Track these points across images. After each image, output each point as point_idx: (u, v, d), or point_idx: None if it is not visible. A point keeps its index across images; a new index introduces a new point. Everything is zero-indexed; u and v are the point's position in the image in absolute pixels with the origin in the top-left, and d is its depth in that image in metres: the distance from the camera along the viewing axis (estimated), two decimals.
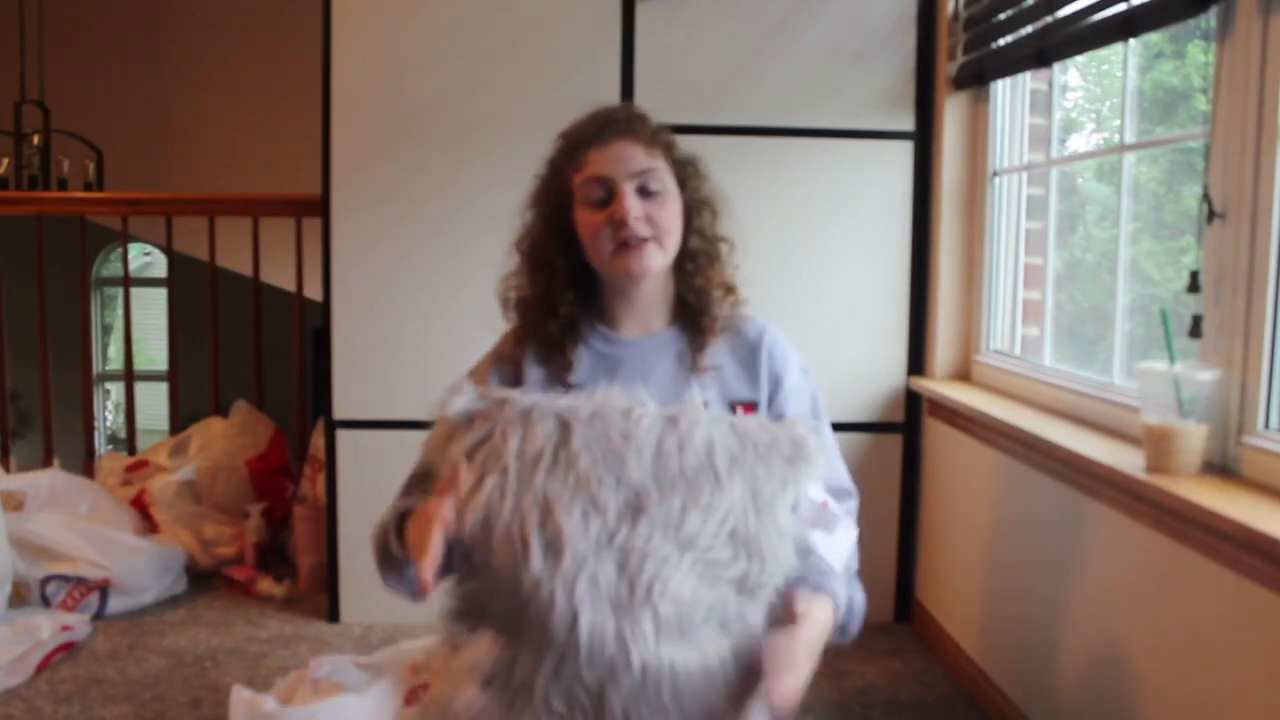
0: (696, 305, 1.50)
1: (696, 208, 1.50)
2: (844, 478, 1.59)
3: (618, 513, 1.24)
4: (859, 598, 1.47)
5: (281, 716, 1.94)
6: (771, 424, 1.37)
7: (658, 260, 1.45)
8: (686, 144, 1.54)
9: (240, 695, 2.02)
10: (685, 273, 1.50)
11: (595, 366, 1.49)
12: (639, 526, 1.24)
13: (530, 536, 1.24)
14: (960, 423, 2.63)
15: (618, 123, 1.46)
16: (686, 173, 1.50)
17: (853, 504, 1.59)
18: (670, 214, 1.46)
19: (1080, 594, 2.04)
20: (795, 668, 1.21)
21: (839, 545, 1.43)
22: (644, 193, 1.44)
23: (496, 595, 1.26)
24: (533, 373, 1.50)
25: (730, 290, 1.54)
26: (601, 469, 1.25)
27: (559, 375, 1.48)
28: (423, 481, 1.46)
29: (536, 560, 1.22)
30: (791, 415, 1.53)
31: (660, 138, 1.48)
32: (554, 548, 1.23)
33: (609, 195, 1.43)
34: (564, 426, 1.28)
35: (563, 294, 1.49)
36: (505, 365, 1.54)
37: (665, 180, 1.46)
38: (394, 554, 1.35)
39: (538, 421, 1.29)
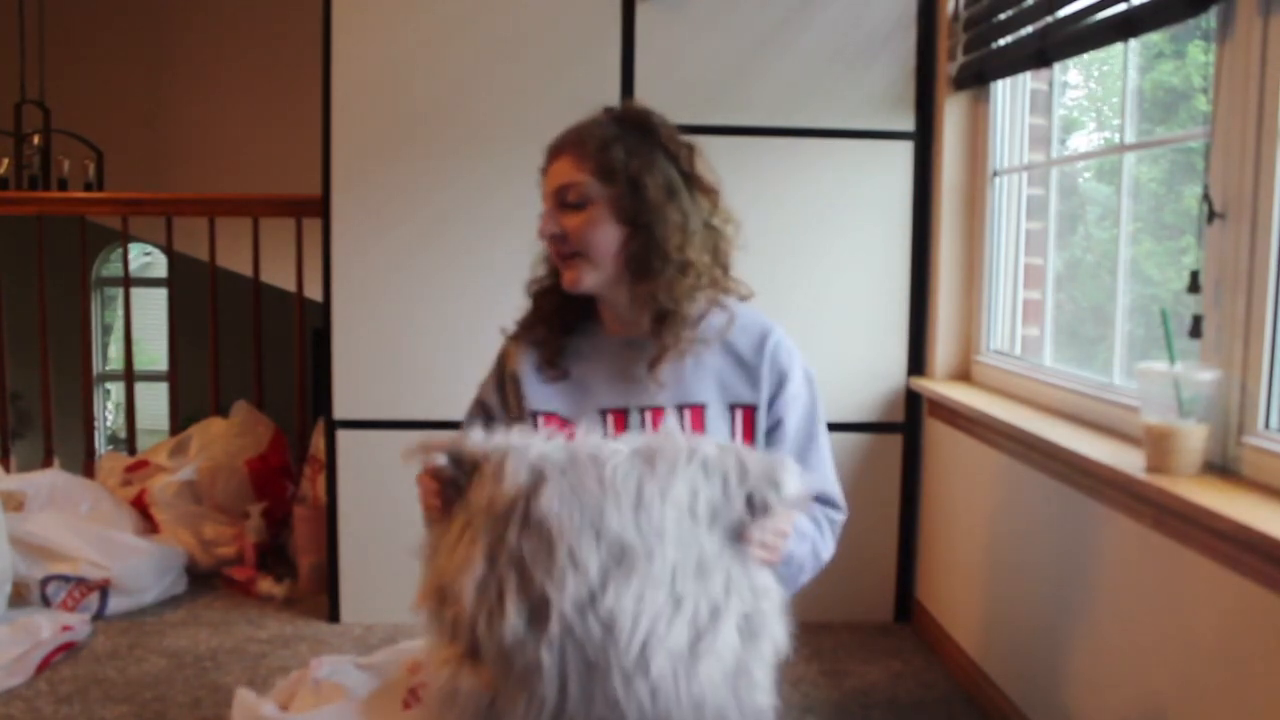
0: (668, 311, 1.49)
1: (653, 220, 1.47)
2: (832, 488, 1.59)
3: (600, 570, 1.18)
4: (805, 559, 1.49)
5: None
6: (754, 458, 1.28)
7: (587, 276, 1.49)
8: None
9: (244, 699, 2.02)
10: (648, 284, 1.48)
11: (581, 358, 1.55)
12: (626, 587, 1.18)
13: (507, 600, 1.19)
14: (960, 423, 2.63)
15: (560, 144, 1.52)
16: (641, 184, 1.47)
17: (837, 516, 1.58)
18: (587, 225, 1.48)
19: (1080, 594, 2.04)
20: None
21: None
22: (563, 207, 1.49)
23: (484, 641, 1.22)
24: (526, 361, 1.57)
25: (714, 300, 1.53)
26: (579, 522, 1.19)
27: (549, 361, 1.55)
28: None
29: (517, 625, 1.18)
30: (788, 420, 1.54)
31: (607, 151, 1.47)
32: (536, 613, 1.18)
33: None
34: (537, 478, 1.22)
35: (548, 295, 1.57)
36: (507, 361, 1.61)
37: (587, 193, 1.47)
38: None
39: (509, 475, 1.23)
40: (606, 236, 1.48)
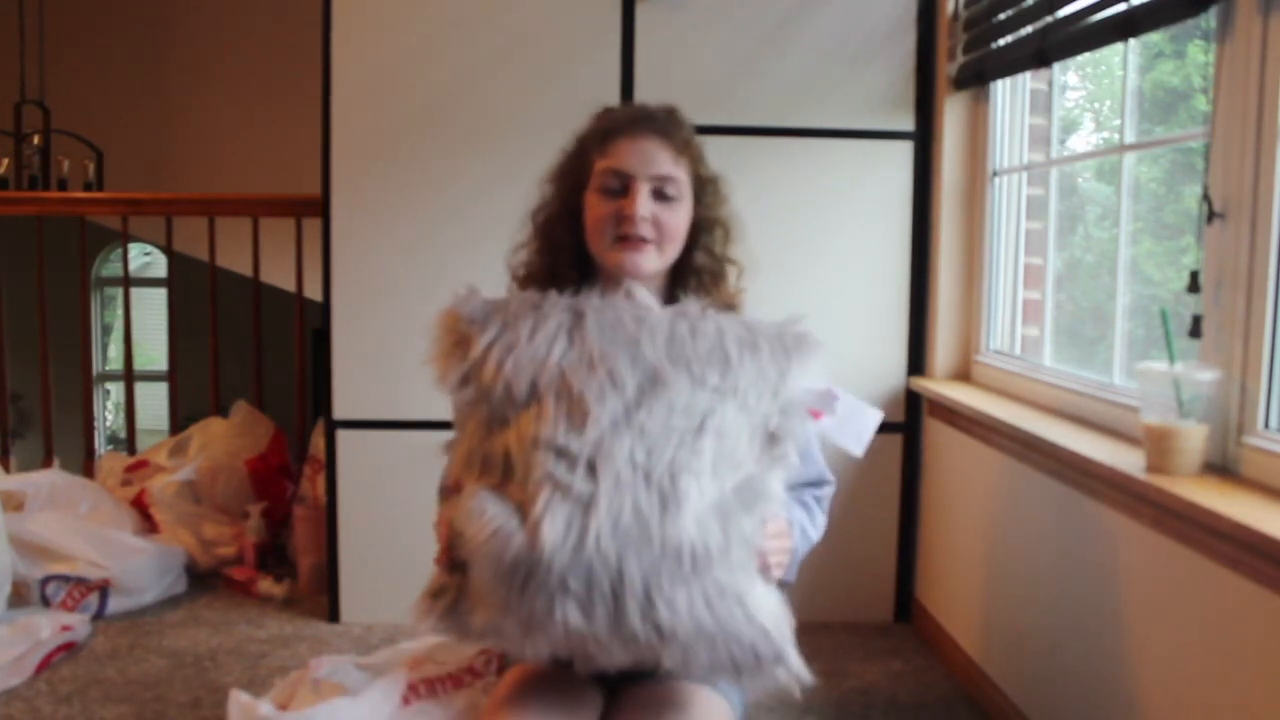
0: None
1: (708, 225, 1.52)
2: (822, 469, 1.60)
3: (637, 388, 1.27)
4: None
5: None
6: (775, 321, 1.40)
7: (653, 263, 1.47)
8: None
9: (238, 699, 2.02)
10: (686, 288, 1.52)
11: None
12: (657, 405, 1.26)
13: (548, 407, 1.26)
14: (960, 423, 2.63)
15: (654, 121, 1.49)
16: (706, 189, 1.52)
17: (827, 490, 1.61)
18: (677, 222, 1.48)
19: (1080, 594, 2.04)
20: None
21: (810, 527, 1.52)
22: (658, 196, 1.46)
23: (516, 463, 1.27)
24: None
25: (731, 310, 1.54)
26: (617, 347, 1.29)
27: None
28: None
29: (558, 433, 1.24)
30: None
31: (690, 148, 1.50)
32: (574, 421, 1.25)
33: (623, 189, 1.46)
34: (576, 314, 1.33)
35: (565, 273, 1.51)
36: None
37: (682, 190, 1.48)
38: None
39: (549, 309, 1.34)
40: (683, 231, 1.50)
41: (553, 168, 1.56)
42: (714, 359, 1.31)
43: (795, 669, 1.27)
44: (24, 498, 3.08)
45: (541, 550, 1.17)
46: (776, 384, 1.33)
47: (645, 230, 1.45)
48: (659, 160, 1.46)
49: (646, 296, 1.41)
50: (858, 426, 1.43)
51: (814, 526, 1.56)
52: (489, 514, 1.21)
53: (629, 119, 1.50)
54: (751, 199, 1.63)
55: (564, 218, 1.52)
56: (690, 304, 1.39)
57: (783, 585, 1.41)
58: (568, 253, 1.52)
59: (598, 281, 1.51)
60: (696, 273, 1.52)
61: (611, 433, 1.24)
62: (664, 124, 1.49)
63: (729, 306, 1.53)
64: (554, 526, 1.18)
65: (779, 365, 1.33)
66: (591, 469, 1.21)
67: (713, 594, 1.20)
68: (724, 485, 1.25)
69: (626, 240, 1.45)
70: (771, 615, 1.26)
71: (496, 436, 1.29)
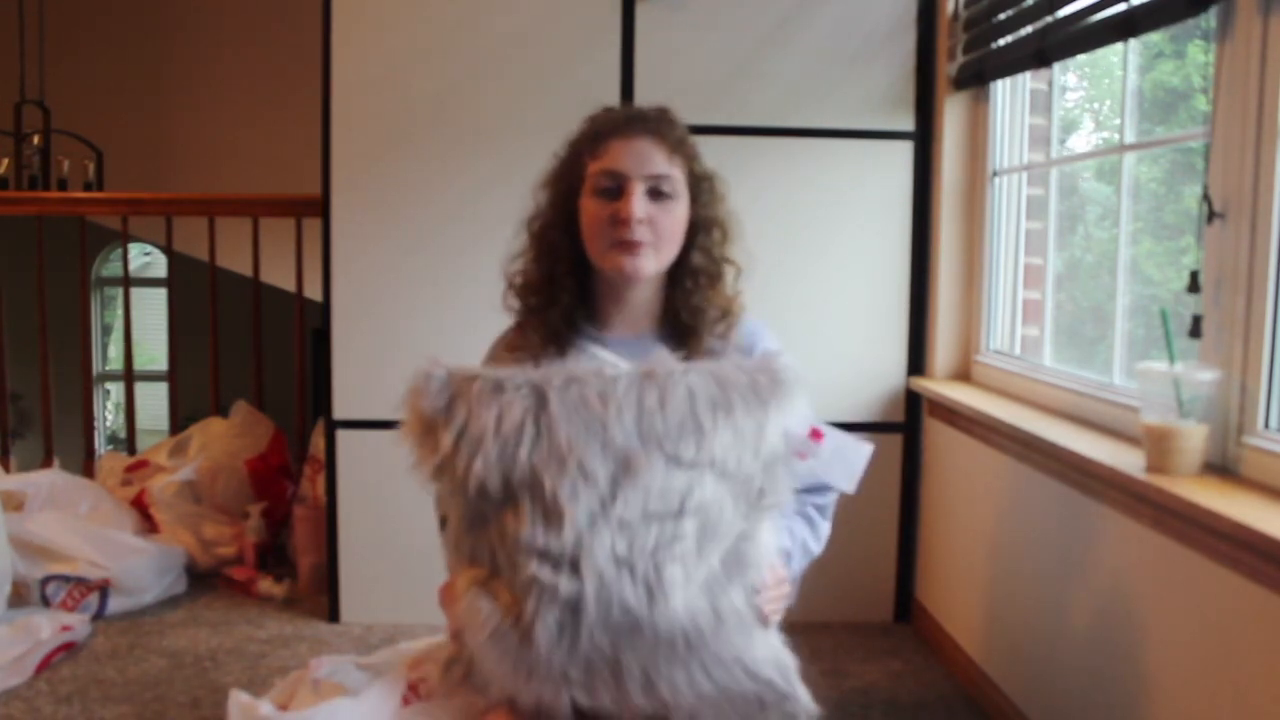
0: (690, 324, 1.50)
1: (705, 225, 1.51)
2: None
3: (610, 479, 1.24)
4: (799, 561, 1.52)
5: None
6: (747, 363, 1.35)
7: (650, 265, 1.46)
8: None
9: (238, 699, 2.02)
10: (684, 289, 1.50)
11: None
12: (632, 494, 1.23)
13: (524, 509, 1.24)
14: (960, 423, 2.63)
15: (646, 121, 1.48)
16: (701, 188, 1.51)
17: (829, 498, 1.59)
18: (674, 222, 1.47)
19: (1080, 594, 2.04)
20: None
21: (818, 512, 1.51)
22: (654, 196, 1.45)
23: (502, 563, 1.27)
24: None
25: (728, 313, 1.52)
26: (585, 435, 1.25)
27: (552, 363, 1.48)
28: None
29: (537, 535, 1.23)
30: None
31: (684, 147, 1.49)
32: (551, 521, 1.23)
33: (618, 190, 1.44)
34: (539, 396, 1.27)
35: (563, 280, 1.50)
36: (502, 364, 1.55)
37: (678, 189, 1.47)
38: None
39: (512, 394, 1.28)
40: (680, 231, 1.48)
41: (545, 174, 1.54)
42: (686, 431, 1.25)
43: (804, 704, 1.29)
44: (24, 498, 3.08)
45: (538, 651, 1.21)
46: (756, 441, 1.28)
47: (642, 233, 1.43)
48: (653, 159, 1.45)
49: (610, 358, 1.38)
50: (848, 464, 1.40)
51: (816, 539, 1.54)
52: (483, 615, 1.24)
53: (621, 119, 1.49)
54: (751, 199, 1.63)
55: (559, 223, 1.50)
56: (660, 358, 1.33)
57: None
58: (565, 259, 1.50)
59: (591, 296, 1.51)
60: (694, 274, 1.50)
61: (589, 530, 1.22)
62: (656, 123, 1.48)
63: (726, 310, 1.52)
64: (546, 628, 1.21)
65: (755, 418, 1.28)
66: (575, 567, 1.22)
67: (711, 665, 1.23)
68: (711, 561, 1.25)
69: (623, 244, 1.43)
70: (773, 663, 1.28)
71: (480, 534, 1.29)
